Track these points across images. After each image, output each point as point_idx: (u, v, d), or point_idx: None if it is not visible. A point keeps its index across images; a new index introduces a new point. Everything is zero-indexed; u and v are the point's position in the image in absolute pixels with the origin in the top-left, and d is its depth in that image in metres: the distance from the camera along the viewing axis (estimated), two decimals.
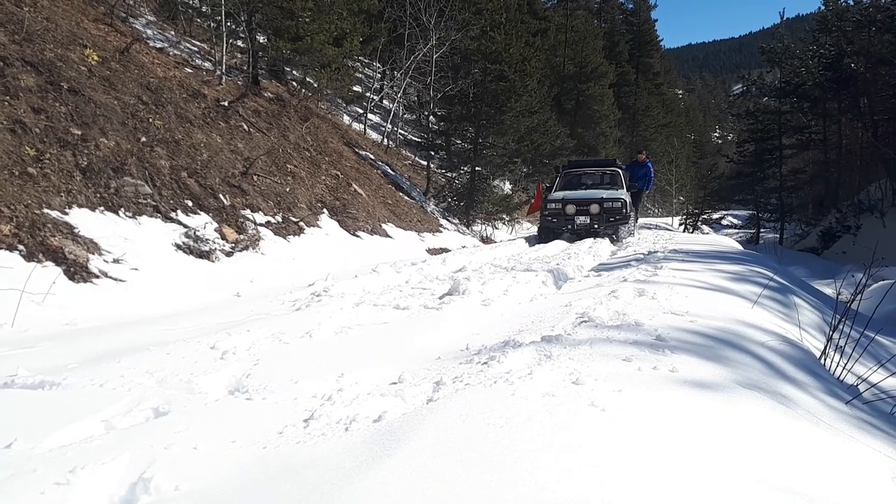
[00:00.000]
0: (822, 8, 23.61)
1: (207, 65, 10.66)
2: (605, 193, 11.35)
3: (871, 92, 19.93)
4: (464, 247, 11.41)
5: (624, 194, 11.45)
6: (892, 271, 7.40)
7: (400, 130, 19.15)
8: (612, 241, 10.58)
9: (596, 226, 10.91)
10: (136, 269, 4.99)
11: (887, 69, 18.22)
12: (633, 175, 13.23)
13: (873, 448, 2.30)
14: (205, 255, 5.90)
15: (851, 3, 21.43)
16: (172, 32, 11.62)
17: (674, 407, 2.17)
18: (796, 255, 17.68)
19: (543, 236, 11.45)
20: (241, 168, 7.87)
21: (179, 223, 6.05)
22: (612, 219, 10.94)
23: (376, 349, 3.24)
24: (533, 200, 14.59)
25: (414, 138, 18.80)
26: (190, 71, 9.57)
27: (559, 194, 11.69)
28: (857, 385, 3.29)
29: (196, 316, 4.23)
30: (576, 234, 11.13)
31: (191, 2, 12.53)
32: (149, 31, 10.64)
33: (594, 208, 10.96)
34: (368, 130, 17.73)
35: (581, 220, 10.95)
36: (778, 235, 24.27)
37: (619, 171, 12.61)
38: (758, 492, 1.68)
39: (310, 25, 10.49)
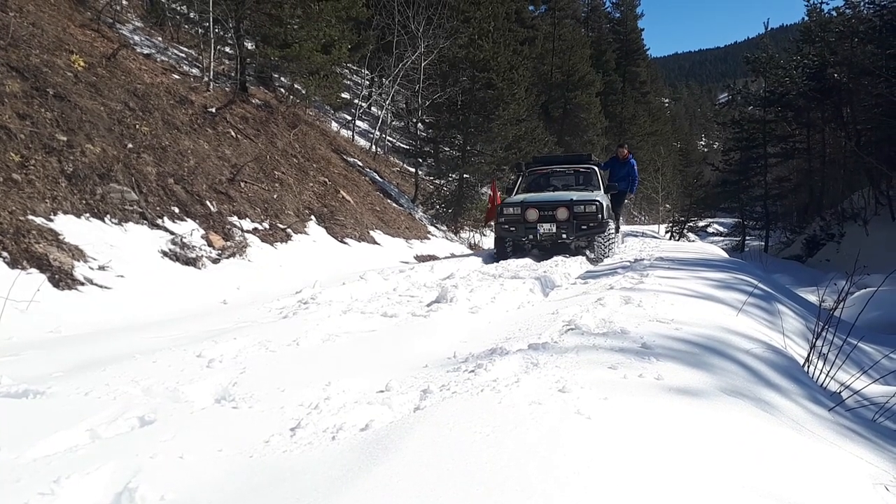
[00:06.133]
0: (806, 19, 23.92)
1: (195, 71, 10.63)
2: (575, 195, 9.23)
3: (854, 102, 20.17)
4: (452, 254, 11.42)
5: (600, 196, 9.26)
6: (874, 279, 7.47)
7: (388, 137, 19.19)
8: (588, 259, 8.78)
9: (564, 235, 8.90)
10: (121, 276, 4.96)
11: (870, 79, 18.45)
12: (614, 174, 11.24)
13: (855, 455, 2.33)
14: (191, 261, 5.88)
15: (835, 14, 21.73)
16: (160, 38, 11.59)
17: (659, 414, 2.19)
18: (781, 263, 17.82)
19: (499, 250, 9.37)
20: (228, 175, 7.84)
21: (166, 230, 6.02)
22: (584, 227, 8.86)
23: (364, 357, 3.24)
24: (488, 206, 12.09)
25: (402, 145, 18.86)
26: (177, 77, 9.54)
27: (518, 197, 9.61)
28: (840, 392, 3.33)
29: (182, 323, 4.21)
30: (539, 247, 9.29)
31: (178, 8, 12.51)
32: (136, 37, 10.60)
33: (561, 213, 8.87)
34: (357, 137, 17.74)
35: (545, 228, 8.89)
36: (763, 243, 24.48)
37: (596, 168, 10.52)
38: (741, 498, 1.70)
39: (298, 32, 10.51)
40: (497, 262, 8.60)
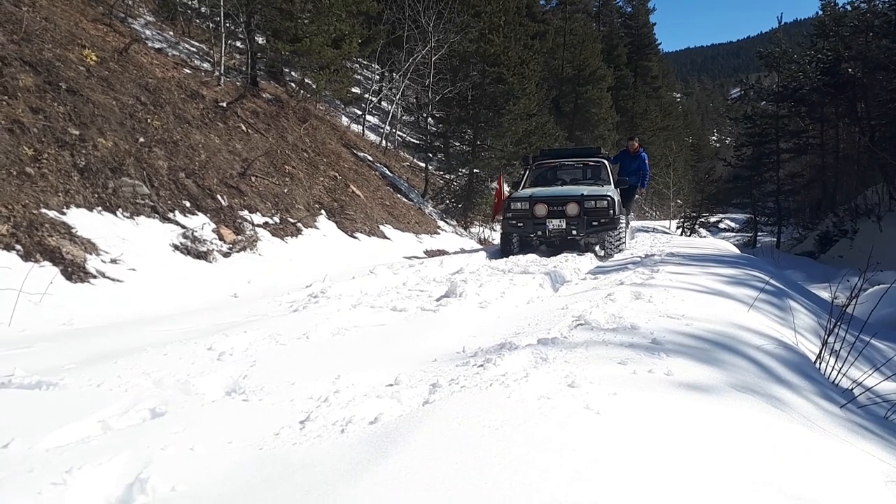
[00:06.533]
0: (820, 13, 23.72)
1: (206, 66, 10.67)
2: (586, 190, 8.96)
3: (869, 97, 20.00)
4: (462, 249, 11.41)
5: (611, 191, 9.03)
6: (888, 275, 7.40)
7: (398, 132, 19.17)
8: (598, 256, 8.57)
9: (574, 232, 8.60)
10: (133, 270, 5.00)
11: (884, 74, 18.30)
12: (624, 168, 11.02)
13: (867, 452, 2.31)
14: (202, 255, 5.90)
15: (849, 8, 21.51)
16: (171, 33, 11.62)
17: (668, 410, 2.18)
18: (793, 259, 17.71)
19: (505, 246, 9.08)
20: (239, 169, 7.87)
21: (177, 224, 6.05)
22: (595, 223, 8.61)
23: (373, 351, 3.25)
24: (495, 200, 11.50)
25: (412, 140, 18.84)
26: (188, 72, 9.57)
27: (527, 191, 9.25)
28: (853, 389, 3.30)
29: (193, 317, 4.23)
30: (547, 243, 9.00)
31: (190, 2, 12.54)
32: (147, 32, 10.64)
33: (572, 209, 8.59)
34: (367, 132, 17.74)
35: (554, 224, 8.60)
36: (775, 239, 24.33)
37: (605, 162, 10.25)
38: (751, 494, 1.69)
39: (308, 27, 10.51)
40: (505, 258, 8.30)
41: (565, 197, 8.81)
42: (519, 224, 8.83)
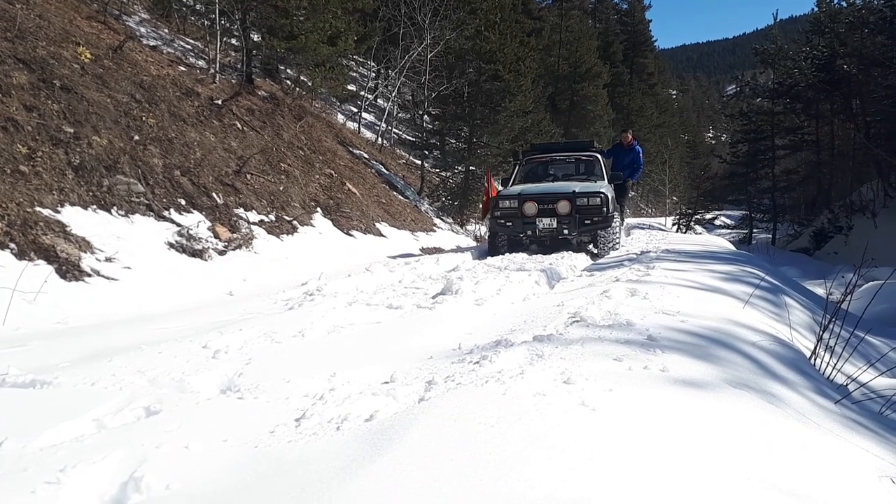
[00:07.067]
0: (816, 9, 23.75)
1: (201, 63, 10.64)
2: (578, 187, 8.44)
3: (864, 93, 20.03)
4: (458, 246, 11.40)
5: (605, 188, 8.54)
6: (882, 271, 7.42)
7: (394, 129, 19.15)
8: (591, 256, 8.20)
9: (566, 231, 8.19)
10: (128, 268, 4.98)
11: (880, 71, 18.31)
12: (618, 162, 10.45)
13: (861, 447, 2.32)
14: (198, 253, 5.89)
15: (844, 4, 21.54)
16: (166, 30, 11.59)
17: (664, 406, 2.18)
18: (788, 256, 17.76)
19: (493, 246, 8.62)
20: (234, 167, 7.85)
21: (172, 222, 6.03)
22: (588, 221, 8.16)
23: (369, 349, 3.25)
24: (484, 197, 10.57)
25: (408, 137, 18.82)
26: (183, 69, 9.54)
27: (515, 188, 8.89)
28: (847, 384, 3.30)
29: (188, 315, 4.22)
30: (538, 243, 8.71)
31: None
32: (142, 29, 10.61)
33: (563, 207, 8.15)
34: (363, 129, 17.72)
35: (545, 223, 8.18)
36: (770, 236, 24.38)
37: (598, 157, 9.73)
38: (745, 489, 1.69)
39: (304, 24, 10.49)
40: (491, 255, 8.04)
41: (556, 194, 8.38)
42: (507, 223, 8.42)
